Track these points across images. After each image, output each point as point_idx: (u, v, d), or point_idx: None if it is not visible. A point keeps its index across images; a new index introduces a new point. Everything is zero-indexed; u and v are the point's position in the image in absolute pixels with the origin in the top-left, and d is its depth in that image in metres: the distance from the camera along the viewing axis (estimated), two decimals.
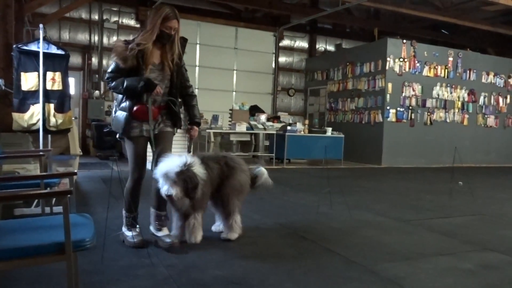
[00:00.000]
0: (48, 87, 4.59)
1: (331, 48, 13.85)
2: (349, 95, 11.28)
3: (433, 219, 4.35)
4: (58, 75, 4.63)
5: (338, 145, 9.59)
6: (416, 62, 10.47)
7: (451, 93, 10.98)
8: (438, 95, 10.81)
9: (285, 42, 13.24)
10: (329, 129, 9.75)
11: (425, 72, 10.62)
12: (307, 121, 10.01)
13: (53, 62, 4.63)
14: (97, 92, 10.70)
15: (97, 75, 10.62)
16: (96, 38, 10.73)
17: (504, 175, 9.24)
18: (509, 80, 11.86)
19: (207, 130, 8.74)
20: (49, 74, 4.60)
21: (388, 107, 10.16)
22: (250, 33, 12.44)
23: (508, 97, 11.91)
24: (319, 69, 12.75)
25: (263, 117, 9.79)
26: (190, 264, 2.70)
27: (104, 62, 10.79)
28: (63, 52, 4.70)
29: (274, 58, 12.98)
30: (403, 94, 10.36)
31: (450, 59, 10.93)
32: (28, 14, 8.42)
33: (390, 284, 2.51)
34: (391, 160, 10.13)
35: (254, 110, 10.40)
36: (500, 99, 11.78)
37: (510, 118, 11.98)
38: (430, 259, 3.02)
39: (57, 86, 4.63)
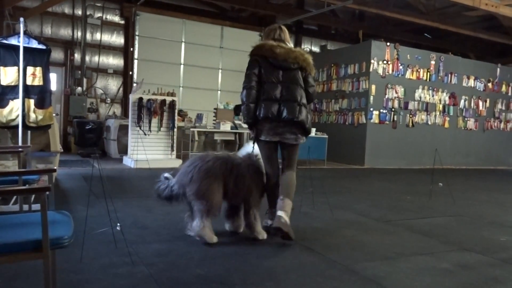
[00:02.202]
0: (28, 82, 4.50)
1: (316, 49, 13.94)
2: (333, 96, 11.37)
3: (413, 219, 4.42)
4: (38, 70, 4.55)
5: (321, 146, 9.63)
6: (399, 64, 10.62)
7: (432, 96, 11.17)
8: (420, 97, 10.99)
9: None
10: (313, 130, 9.79)
11: (408, 74, 10.77)
12: None
13: (33, 57, 4.55)
14: (79, 88, 10.54)
15: (79, 71, 10.46)
16: (79, 33, 10.58)
17: (483, 177, 9.45)
18: (488, 84, 12.15)
19: (191, 129, 8.72)
20: (30, 69, 4.51)
21: (371, 109, 10.28)
22: (236, 33, 12.44)
23: (488, 100, 12.19)
24: None
25: None
26: (171, 263, 2.69)
27: (87, 58, 10.65)
28: (44, 47, 4.61)
29: None
30: (386, 96, 10.49)
31: (432, 62, 11.13)
32: (9, 8, 8.24)
33: (370, 283, 2.55)
34: (373, 161, 10.24)
35: (239, 110, 10.38)
36: (480, 103, 12.05)
37: (489, 121, 12.27)
38: (409, 258, 3.07)
39: (38, 81, 4.54)
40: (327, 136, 9.76)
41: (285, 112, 3.29)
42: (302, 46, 13.69)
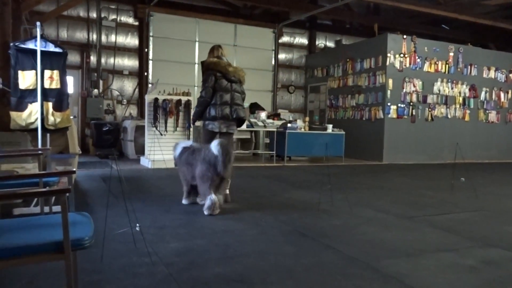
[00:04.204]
0: (46, 85, 4.58)
1: (331, 44, 13.83)
2: (350, 91, 11.27)
3: (435, 215, 4.35)
4: (56, 73, 4.62)
5: (338, 142, 9.58)
6: (417, 57, 10.45)
7: (452, 88, 10.96)
8: (439, 90, 10.80)
9: (285, 39, 13.22)
10: (330, 126, 9.74)
11: (426, 67, 10.60)
12: (307, 118, 10.00)
13: (50, 60, 4.62)
14: (95, 90, 10.68)
15: (95, 74, 10.60)
16: (95, 36, 10.72)
17: (505, 171, 9.23)
18: (510, 75, 11.84)
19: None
20: (47, 73, 4.59)
21: (388, 103, 10.15)
22: (249, 30, 12.42)
23: (510, 92, 11.89)
24: (319, 66, 12.73)
25: (263, 115, 9.78)
26: (190, 262, 2.70)
27: (103, 60, 10.78)
28: (60, 50, 4.68)
29: (273, 55, 12.96)
30: (404, 90, 10.35)
31: (451, 54, 10.91)
32: (26, 13, 8.40)
33: (392, 281, 2.51)
34: (392, 157, 10.12)
35: (254, 108, 10.39)
36: (502, 94, 11.76)
37: (511, 113, 11.97)
38: (431, 255, 3.01)
39: (55, 84, 4.62)
40: (344, 132, 9.70)
41: (235, 113, 4.70)
42: (317, 42, 13.61)
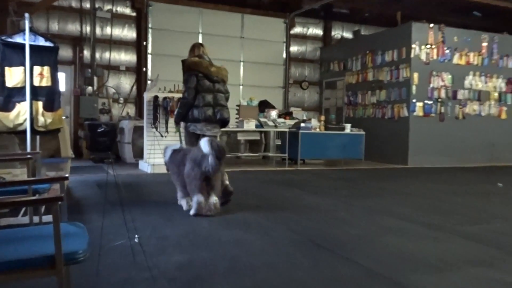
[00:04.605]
0: (36, 83, 4.61)
1: (348, 35, 13.78)
2: (370, 87, 11.21)
3: (467, 225, 4.30)
4: (46, 70, 4.66)
5: (358, 144, 9.53)
6: (445, 48, 10.37)
7: (485, 82, 10.85)
8: (471, 85, 10.69)
9: (297, 30, 13.21)
10: (348, 126, 9.70)
11: (456, 59, 10.51)
12: (322, 117, 9.98)
13: (40, 56, 4.65)
14: (90, 88, 10.77)
15: (89, 70, 10.68)
16: (88, 28, 10.80)
17: None
18: None
19: None
20: (37, 69, 4.62)
21: (414, 100, 10.08)
22: (258, 21, 12.43)
23: None
24: (335, 59, 12.69)
25: (273, 113, 9.77)
26: (195, 277, 2.71)
27: (97, 55, 10.87)
28: (51, 44, 4.72)
29: (284, 48, 12.95)
30: (431, 85, 10.26)
31: (484, 44, 10.80)
32: (13, 3, 8.52)
33: None
34: (418, 160, 10.04)
35: (264, 106, 10.39)
36: None
37: None
38: (463, 269, 2.98)
39: (46, 81, 4.65)
40: (364, 133, 9.65)
41: (219, 115, 4.91)
42: (333, 33, 13.57)
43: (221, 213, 4.43)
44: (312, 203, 5.27)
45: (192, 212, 4.30)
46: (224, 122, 5.11)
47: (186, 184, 4.41)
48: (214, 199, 4.34)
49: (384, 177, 8.06)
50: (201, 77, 4.89)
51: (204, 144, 4.23)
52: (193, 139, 4.89)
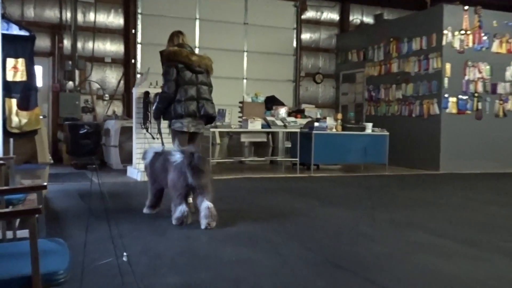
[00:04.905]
0: (9, 77, 4.63)
1: (369, 20, 13.76)
2: (394, 80, 11.19)
3: (511, 241, 4.26)
4: (21, 63, 4.68)
5: (381, 146, 9.51)
6: (482, 35, 10.33)
7: None
8: None
9: (310, 14, 13.22)
10: (369, 125, 9.67)
11: (495, 47, 10.46)
12: (339, 115, 9.96)
13: (14, 46, 4.68)
14: (70, 83, 10.81)
15: (70, 62, 10.73)
16: (69, 15, 10.86)
17: None
18: None
19: (211, 129, 8.76)
20: (10, 61, 4.65)
21: (446, 95, 10.05)
22: (264, 4, 12.46)
23: None
24: (354, 48, 12.67)
25: (282, 111, 9.77)
26: None
27: (79, 45, 10.92)
28: (27, 33, 4.76)
29: (295, 35, 12.96)
30: (466, 78, 10.22)
31: None
32: None
33: None
34: (451, 164, 9.99)
35: (271, 102, 10.39)
36: None
37: None
38: None
39: (20, 76, 4.67)
40: (387, 133, 9.62)
41: (203, 110, 5.13)
42: (351, 17, 13.56)
43: (222, 227, 4.42)
44: (329, 215, 5.25)
45: (175, 222, 4.49)
46: (209, 118, 5.38)
47: (170, 193, 4.63)
48: (207, 204, 4.41)
49: (412, 185, 8.02)
50: (181, 68, 5.08)
51: (177, 159, 4.47)
52: (181, 137, 5.13)
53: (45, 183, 2.72)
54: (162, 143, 6.49)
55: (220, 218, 4.52)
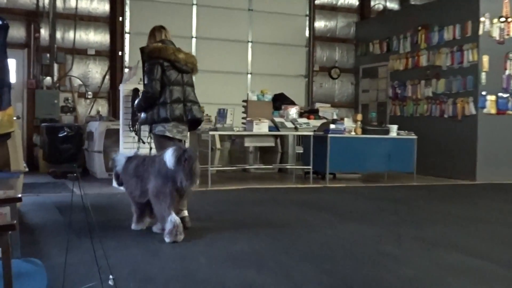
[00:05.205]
0: None
1: (393, 5, 13.77)
2: (423, 75, 11.18)
3: None
4: None
5: (407, 152, 9.48)
6: None
7: None
8: None
9: None
10: (394, 127, 9.65)
11: None
12: (359, 116, 9.93)
13: None
14: (48, 79, 10.85)
15: (47, 55, 10.75)
16: (46, 0, 10.89)
17: None
18: None
19: (210, 132, 8.77)
20: None
21: (483, 93, 10.04)
22: None
23: None
24: (376, 38, 12.67)
25: (293, 111, 9.76)
26: None
27: (58, 35, 10.95)
28: None
29: (308, 23, 12.97)
30: (507, 72, 10.21)
31: None
32: None
33: None
34: (490, 173, 9.95)
35: (280, 101, 10.40)
36: None
37: None
38: None
39: None
40: (415, 137, 9.60)
41: (189, 114, 5.25)
42: (372, 2, 13.56)
43: (224, 246, 4.41)
44: (347, 232, 5.23)
45: (168, 239, 4.50)
46: (197, 123, 5.56)
47: (153, 204, 4.66)
48: (185, 213, 4.91)
49: (444, 197, 7.99)
50: (167, 67, 5.19)
51: (169, 158, 4.44)
52: (164, 143, 5.15)
53: (20, 195, 2.73)
54: (139, 141, 6.73)
55: (222, 236, 4.51)
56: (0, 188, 5.22)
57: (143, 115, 5.44)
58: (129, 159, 5.04)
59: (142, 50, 5.44)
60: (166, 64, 5.17)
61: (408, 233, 5.10)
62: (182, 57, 5.28)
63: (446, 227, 5.57)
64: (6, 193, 5.04)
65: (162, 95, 5.15)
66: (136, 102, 5.76)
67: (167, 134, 5.16)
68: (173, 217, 4.50)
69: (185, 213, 5.09)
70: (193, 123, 5.49)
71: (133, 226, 5.06)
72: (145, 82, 5.28)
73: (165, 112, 5.12)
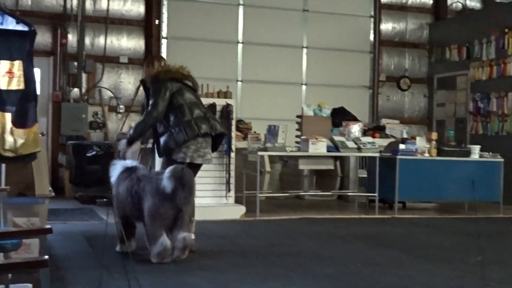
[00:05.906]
0: (3, 86, 4.73)
1: (474, 3, 13.61)
2: (511, 86, 11.00)
3: None
4: (17, 66, 4.77)
5: (492, 177, 9.34)
6: None
7: None
8: None
9: None
10: (476, 148, 9.50)
11: None
12: (434, 135, 9.82)
13: (9, 45, 4.79)
14: (76, 90, 11.02)
15: (75, 63, 10.93)
16: (74, 2, 11.11)
17: None
18: None
19: (259, 153, 8.79)
20: (4, 64, 4.74)
21: None
22: None
23: None
24: (453, 42, 12.55)
25: (355, 129, 9.72)
26: None
27: (87, 40, 11.13)
28: (25, 28, 4.87)
29: (372, 25, 12.94)
30: None
31: None
32: None
33: None
34: None
35: (340, 117, 10.38)
36: None
37: None
38: None
39: (17, 84, 4.75)
40: (502, 159, 9.45)
41: (215, 130, 5.67)
42: (449, 1, 13.43)
43: (277, 287, 4.42)
44: (421, 273, 5.16)
45: (154, 260, 4.98)
46: (222, 138, 6.14)
47: (147, 223, 5.08)
48: (185, 234, 5.09)
49: None
50: (178, 87, 5.60)
51: (167, 182, 4.90)
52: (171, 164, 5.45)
53: (49, 226, 2.78)
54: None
55: (272, 275, 4.51)
56: (23, 215, 5.33)
57: (162, 142, 5.68)
58: (127, 170, 5.45)
59: (143, 81, 5.92)
60: (176, 85, 5.58)
61: (494, 274, 5.00)
62: (187, 74, 5.77)
63: None
64: (30, 221, 5.16)
65: (179, 115, 5.51)
66: (135, 125, 5.98)
67: (188, 161, 5.49)
68: (164, 240, 4.96)
69: (192, 236, 5.40)
70: (219, 139, 5.92)
71: (118, 248, 5.44)
72: (151, 102, 5.55)
73: (191, 130, 5.45)
